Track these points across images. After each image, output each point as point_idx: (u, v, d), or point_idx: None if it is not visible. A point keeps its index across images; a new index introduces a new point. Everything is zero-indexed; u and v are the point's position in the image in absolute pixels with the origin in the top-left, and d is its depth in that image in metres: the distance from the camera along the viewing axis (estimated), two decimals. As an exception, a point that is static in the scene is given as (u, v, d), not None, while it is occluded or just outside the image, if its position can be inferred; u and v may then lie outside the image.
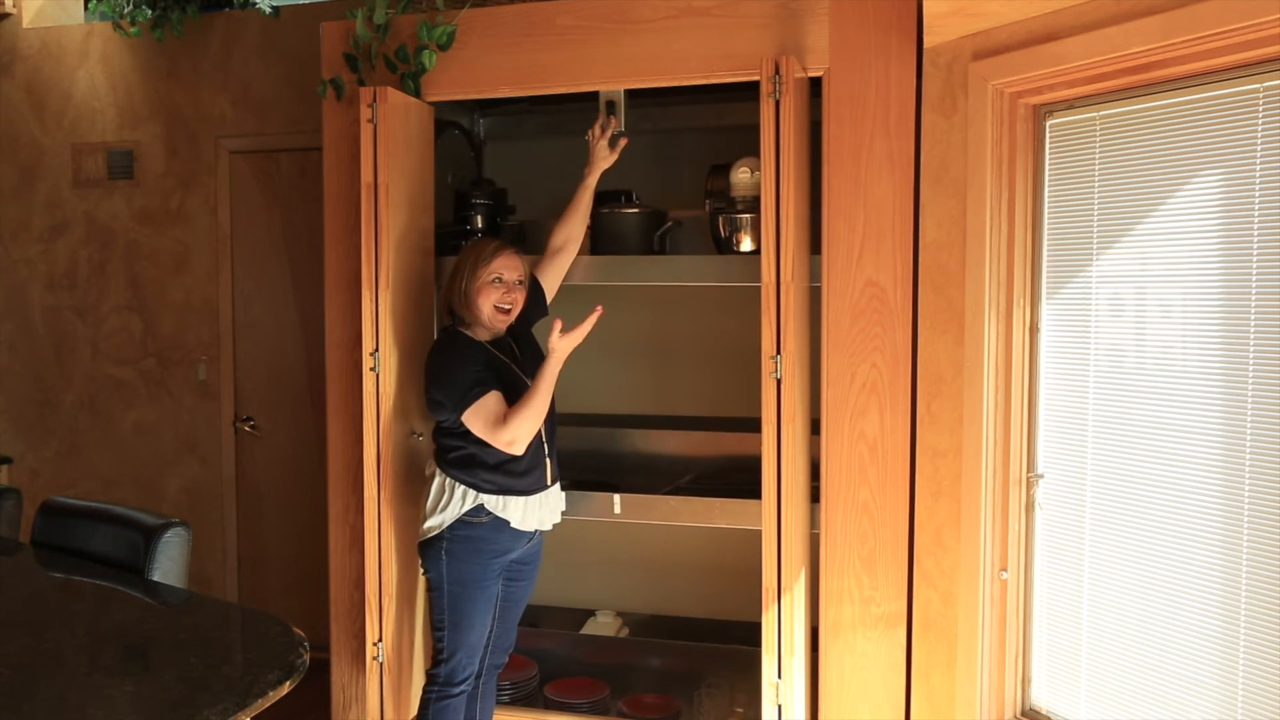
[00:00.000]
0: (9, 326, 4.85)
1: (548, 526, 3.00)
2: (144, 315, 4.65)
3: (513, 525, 2.88)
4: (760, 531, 2.86)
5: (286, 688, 1.96)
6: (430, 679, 2.95)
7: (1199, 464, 2.33)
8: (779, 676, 2.89)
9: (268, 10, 4.31)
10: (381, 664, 3.11)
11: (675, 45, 3.07)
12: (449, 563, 2.87)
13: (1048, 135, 2.70)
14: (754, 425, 2.89)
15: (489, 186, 3.56)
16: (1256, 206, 2.20)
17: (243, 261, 4.53)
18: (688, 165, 3.71)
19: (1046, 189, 2.71)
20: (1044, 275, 2.73)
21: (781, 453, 2.82)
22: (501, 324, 2.94)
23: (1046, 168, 2.71)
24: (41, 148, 4.75)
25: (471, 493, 2.85)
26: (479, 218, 3.47)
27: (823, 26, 2.94)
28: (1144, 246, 2.46)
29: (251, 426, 4.54)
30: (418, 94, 3.25)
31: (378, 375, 3.04)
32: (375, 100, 3.02)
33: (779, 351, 2.80)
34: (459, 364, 2.86)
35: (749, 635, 3.30)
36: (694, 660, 3.59)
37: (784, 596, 2.86)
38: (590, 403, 3.81)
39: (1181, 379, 2.37)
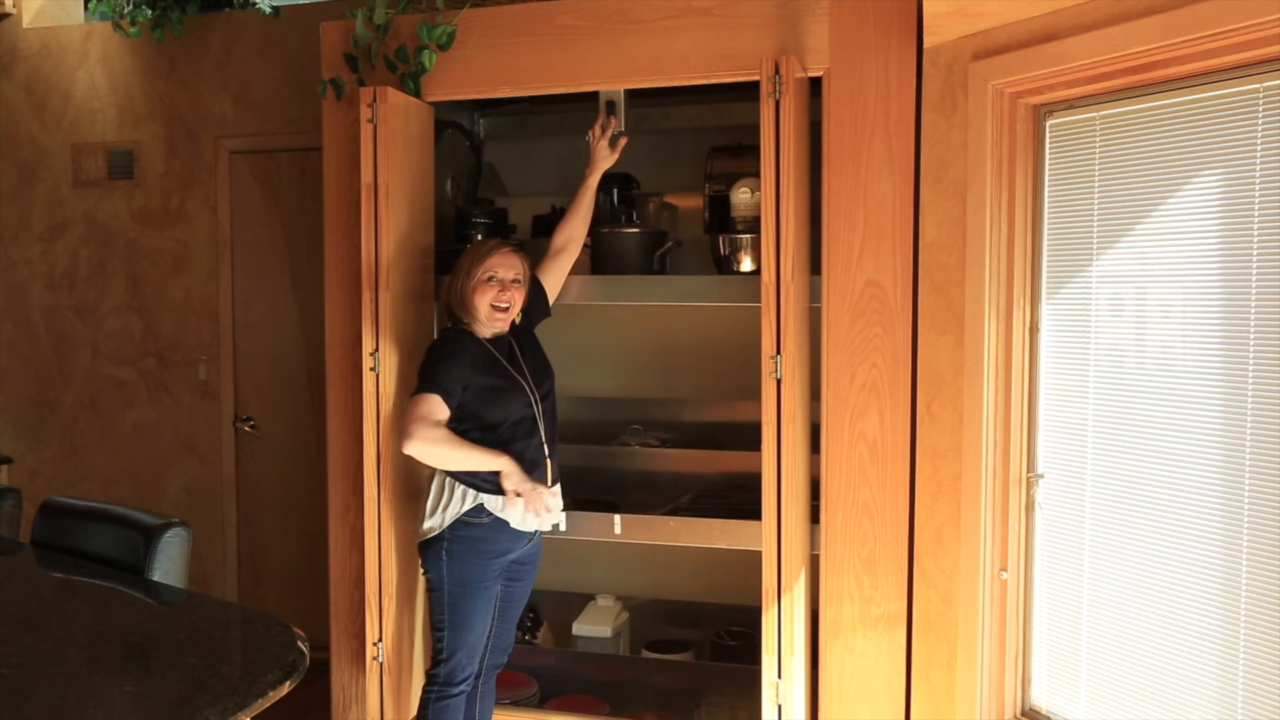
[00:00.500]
0: (9, 326, 4.85)
1: (547, 527, 3.00)
2: (144, 315, 4.65)
3: (512, 526, 2.88)
4: (762, 521, 2.86)
5: (286, 688, 1.95)
6: (430, 679, 2.95)
7: (1199, 464, 2.33)
8: (779, 676, 2.89)
9: (268, 10, 4.31)
10: (381, 664, 3.11)
11: (675, 45, 3.07)
12: (449, 563, 2.87)
13: (1048, 135, 2.70)
14: (755, 431, 2.89)
15: (489, 205, 3.57)
16: (1256, 206, 2.20)
17: (243, 261, 4.53)
18: (688, 160, 3.71)
19: (1046, 189, 2.71)
20: (1044, 275, 2.72)
21: (781, 454, 2.82)
22: (499, 323, 2.93)
23: (1046, 168, 2.70)
24: (41, 148, 4.75)
25: (471, 492, 2.85)
26: (479, 236, 3.47)
27: (823, 26, 2.94)
28: (1144, 246, 2.46)
29: (251, 426, 4.54)
30: (418, 94, 3.25)
31: (378, 375, 3.04)
32: (375, 100, 3.02)
33: (779, 351, 2.80)
34: (445, 357, 2.87)
35: (750, 619, 3.28)
36: (695, 677, 3.58)
37: (784, 596, 2.86)
38: (590, 413, 3.81)
39: (1181, 379, 2.37)
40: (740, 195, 3.22)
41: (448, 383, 2.81)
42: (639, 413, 3.80)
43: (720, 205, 3.44)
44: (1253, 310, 2.22)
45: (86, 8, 4.86)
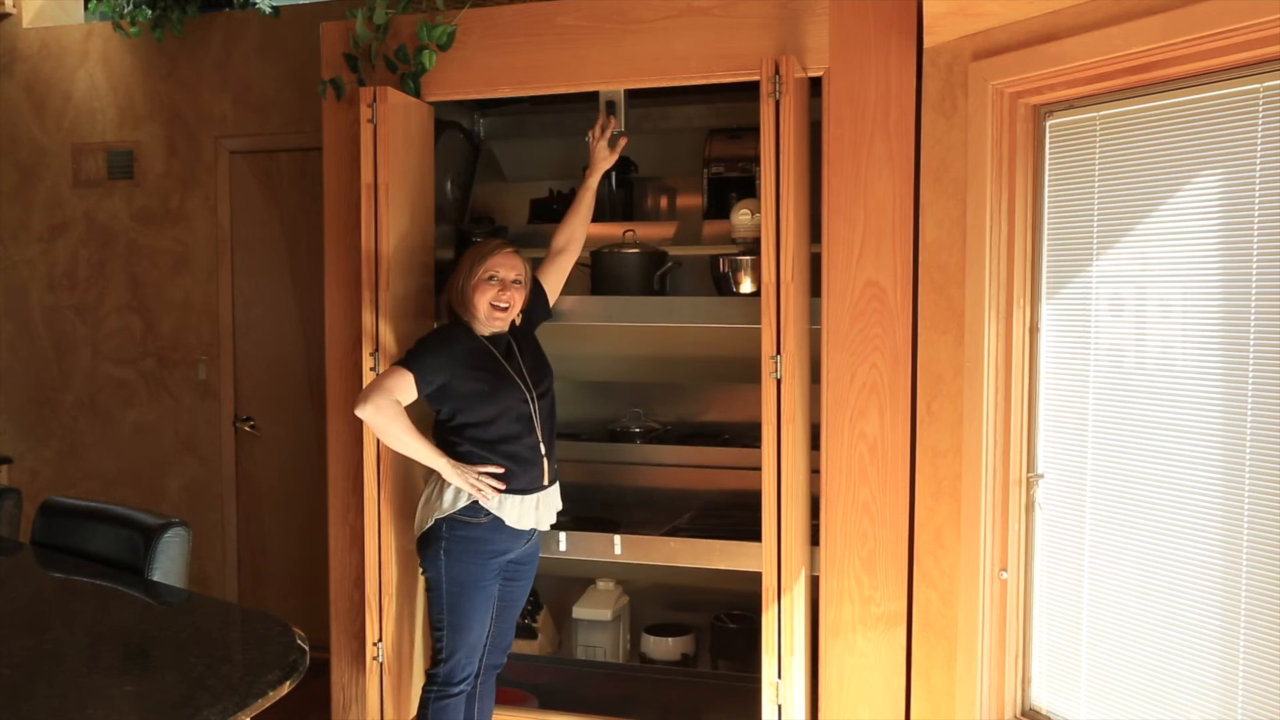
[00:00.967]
0: (9, 326, 4.85)
1: (545, 526, 3.00)
2: (144, 315, 4.65)
3: (509, 524, 2.88)
4: (761, 506, 2.86)
5: (286, 688, 1.95)
6: (430, 679, 2.95)
7: (1199, 464, 2.33)
8: (779, 676, 2.89)
9: (268, 10, 4.31)
10: (381, 664, 3.11)
11: (675, 45, 3.07)
12: (447, 563, 2.87)
13: (1048, 135, 2.70)
14: (755, 428, 2.89)
15: (489, 225, 3.57)
16: (1256, 206, 2.20)
17: (243, 261, 4.53)
18: (687, 157, 3.71)
19: (1046, 189, 2.71)
20: (1044, 275, 2.72)
21: (782, 454, 2.82)
22: (498, 322, 2.93)
23: (1046, 168, 2.70)
24: (41, 148, 4.74)
25: (465, 492, 2.85)
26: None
27: (823, 26, 2.94)
28: (1144, 246, 2.46)
29: (251, 426, 4.54)
30: (418, 94, 3.25)
31: (377, 375, 3.04)
32: (375, 100, 3.02)
33: (779, 351, 2.80)
34: (434, 344, 2.89)
35: (749, 603, 3.28)
36: (695, 691, 3.57)
37: (784, 596, 2.86)
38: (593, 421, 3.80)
39: (1181, 379, 2.37)
40: (740, 217, 3.23)
41: (426, 368, 2.82)
42: (640, 396, 3.79)
43: (719, 188, 3.45)
44: (1253, 310, 2.22)
45: (86, 8, 4.86)
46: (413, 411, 2.83)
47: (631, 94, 3.30)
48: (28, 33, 4.73)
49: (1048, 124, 2.69)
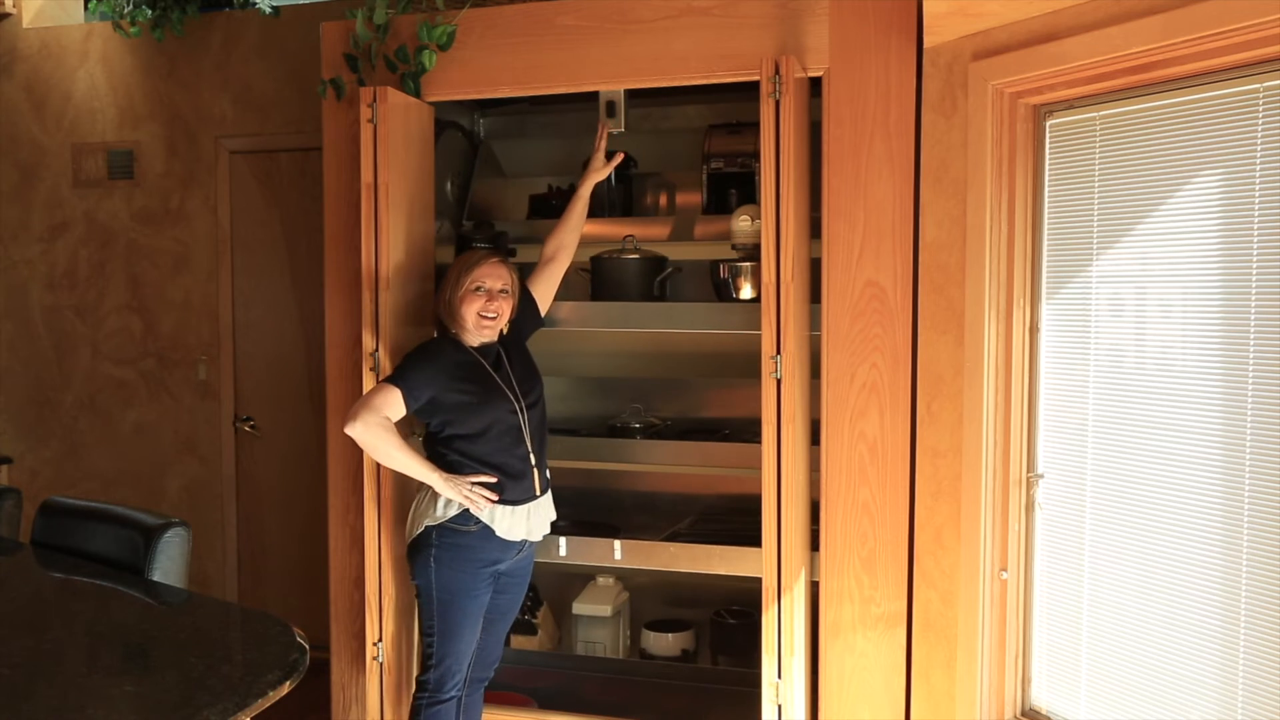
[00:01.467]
0: (9, 326, 4.85)
1: (536, 537, 2.98)
2: (144, 315, 4.65)
3: (499, 535, 2.86)
4: (761, 509, 2.86)
5: (286, 688, 1.95)
6: (420, 686, 2.93)
7: (1199, 464, 2.33)
8: (779, 676, 2.89)
9: (268, 10, 4.31)
10: (381, 664, 3.11)
11: (675, 45, 3.07)
12: (437, 570, 2.85)
13: (1048, 135, 2.70)
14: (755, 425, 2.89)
15: (489, 230, 3.57)
16: (1256, 206, 2.20)
17: (243, 261, 4.53)
18: (686, 153, 3.71)
19: (1046, 189, 2.71)
20: (1044, 275, 2.72)
21: (782, 454, 2.82)
22: (486, 332, 2.92)
23: (1046, 168, 2.70)
24: (41, 148, 4.74)
25: (455, 502, 2.83)
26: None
27: (823, 26, 2.94)
28: (1144, 246, 2.46)
29: (251, 426, 4.54)
30: (418, 94, 3.25)
31: (377, 375, 3.04)
32: (375, 100, 3.02)
33: (779, 351, 2.80)
34: (420, 359, 2.89)
35: (750, 598, 3.27)
36: (695, 688, 3.57)
37: (784, 596, 2.86)
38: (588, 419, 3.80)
39: (1181, 379, 2.37)
40: (740, 223, 3.23)
41: (413, 383, 2.82)
42: (640, 392, 3.79)
43: (718, 184, 3.45)
44: (1253, 310, 2.22)
45: (86, 8, 4.86)
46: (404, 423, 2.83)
47: (631, 94, 3.30)
48: (28, 33, 4.73)
49: (1048, 124, 2.69)
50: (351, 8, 3.32)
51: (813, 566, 3.04)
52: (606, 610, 3.67)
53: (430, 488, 2.87)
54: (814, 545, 3.03)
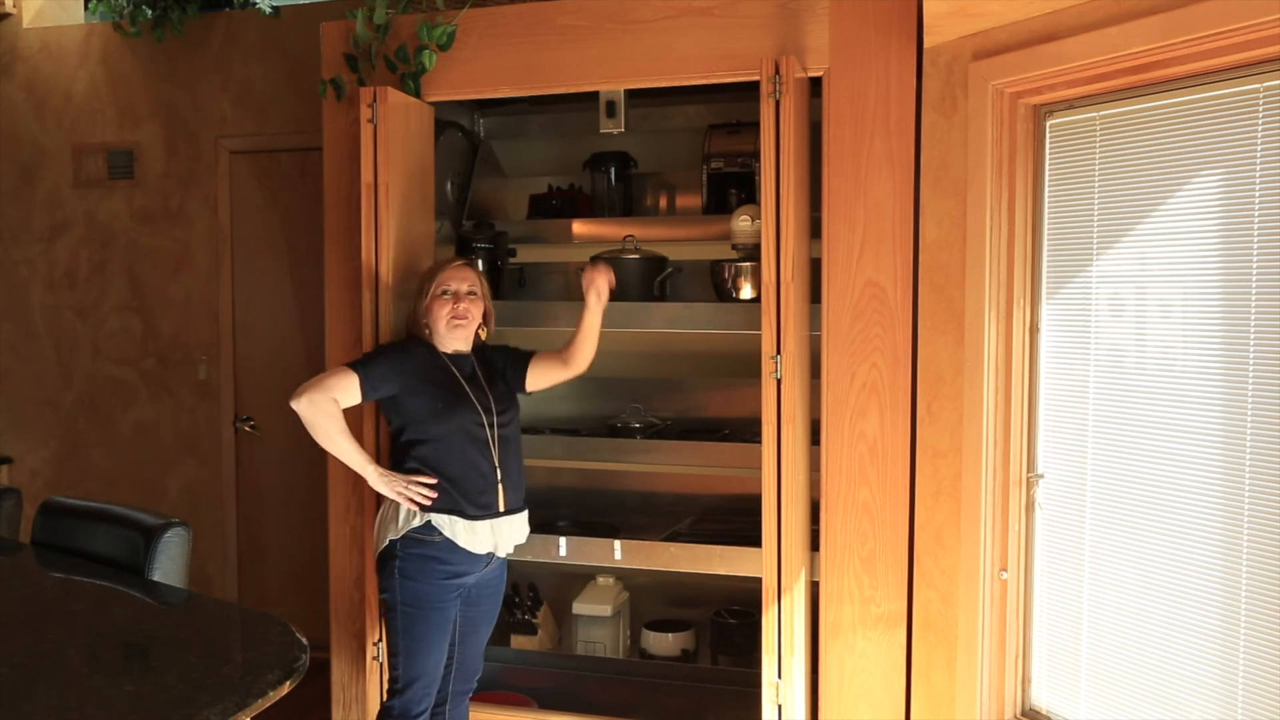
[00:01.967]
0: (9, 326, 4.85)
1: (503, 553, 2.91)
2: (144, 315, 4.65)
3: (460, 545, 2.79)
4: (761, 509, 2.86)
5: (286, 688, 1.95)
6: (385, 711, 2.85)
7: (1199, 464, 2.33)
8: (779, 676, 2.89)
9: (268, 10, 4.31)
10: (381, 664, 3.11)
11: (675, 45, 3.07)
12: (402, 582, 2.79)
13: (1048, 135, 2.70)
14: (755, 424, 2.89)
15: (489, 231, 3.57)
16: (1256, 206, 2.20)
17: (243, 261, 4.53)
18: (686, 153, 3.71)
19: (1046, 189, 2.71)
20: (1044, 275, 2.72)
21: (782, 454, 2.82)
22: (460, 334, 2.90)
23: (1046, 168, 2.70)
24: (41, 148, 4.75)
25: (417, 511, 2.79)
26: (479, 261, 3.46)
27: (823, 26, 2.94)
28: (1144, 246, 2.46)
29: (251, 426, 4.54)
30: (418, 94, 3.25)
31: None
32: (375, 100, 3.02)
33: (779, 351, 2.80)
34: (386, 352, 2.90)
35: (750, 598, 3.28)
36: (695, 697, 3.57)
37: (784, 596, 2.86)
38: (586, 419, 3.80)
39: (1181, 379, 2.37)
40: (740, 223, 3.23)
41: (374, 374, 2.80)
42: (640, 391, 3.79)
43: (718, 183, 3.45)
44: (1253, 310, 2.22)
45: (86, 8, 4.86)
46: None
47: (631, 94, 3.30)
48: (28, 33, 4.73)
49: (1048, 124, 2.69)
50: (351, 8, 3.32)
51: (813, 566, 3.04)
52: (606, 610, 3.68)
53: (393, 501, 2.82)
54: (814, 545, 3.04)
